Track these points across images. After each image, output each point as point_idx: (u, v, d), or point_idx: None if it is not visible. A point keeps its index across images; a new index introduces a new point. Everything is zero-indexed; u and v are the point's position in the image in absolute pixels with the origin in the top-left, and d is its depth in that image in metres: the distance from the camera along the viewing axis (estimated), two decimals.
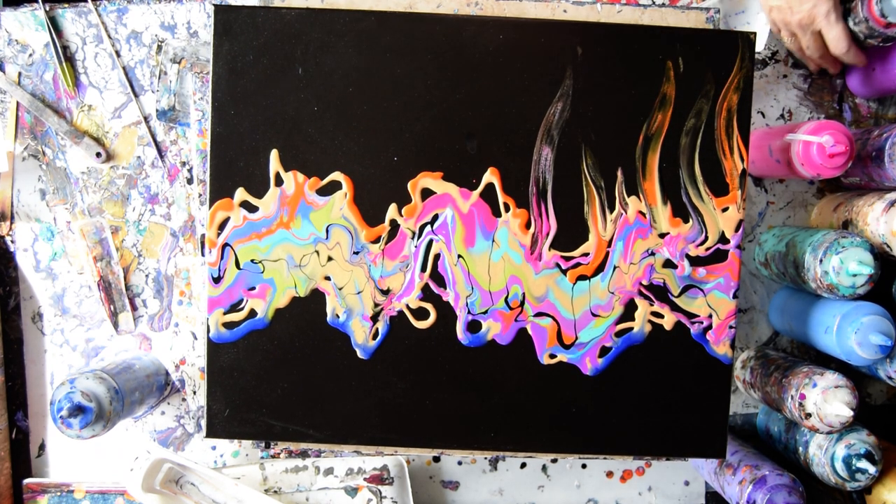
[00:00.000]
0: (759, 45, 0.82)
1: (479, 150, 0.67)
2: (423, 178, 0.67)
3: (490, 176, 0.67)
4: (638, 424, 0.69)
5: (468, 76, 0.66)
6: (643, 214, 0.67)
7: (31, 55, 0.86)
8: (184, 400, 0.89)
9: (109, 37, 0.86)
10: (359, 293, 0.68)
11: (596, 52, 0.67)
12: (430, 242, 0.67)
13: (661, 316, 0.68)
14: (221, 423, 0.68)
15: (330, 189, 0.67)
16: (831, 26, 0.74)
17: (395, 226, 0.67)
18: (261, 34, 0.66)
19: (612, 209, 0.67)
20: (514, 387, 0.68)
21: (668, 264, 0.68)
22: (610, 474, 0.90)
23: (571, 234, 0.67)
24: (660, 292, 0.68)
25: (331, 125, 0.66)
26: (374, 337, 0.68)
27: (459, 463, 0.90)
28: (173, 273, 0.88)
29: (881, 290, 0.78)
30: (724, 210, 0.68)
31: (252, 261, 0.67)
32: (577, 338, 0.68)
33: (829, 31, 0.75)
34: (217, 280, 0.67)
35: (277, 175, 0.67)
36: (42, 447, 0.90)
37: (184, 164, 0.87)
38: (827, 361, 0.88)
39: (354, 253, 0.67)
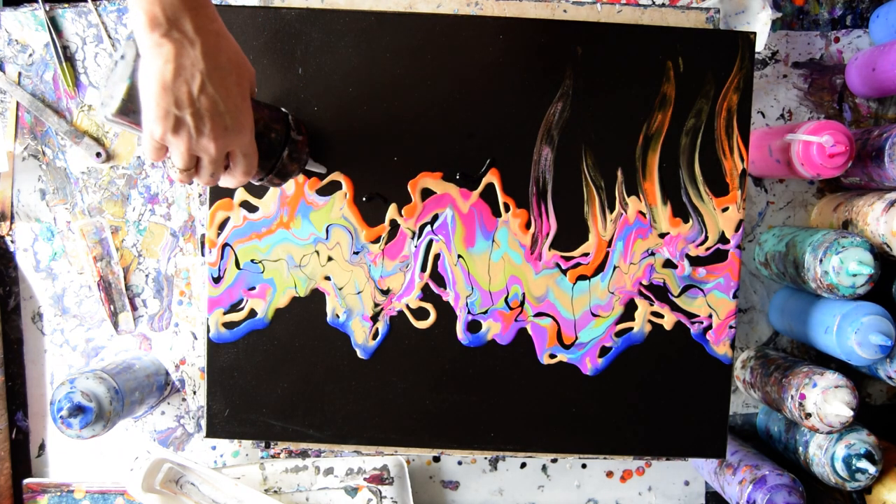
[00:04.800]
0: (759, 45, 0.82)
1: (478, 151, 0.67)
2: (423, 178, 0.67)
3: (490, 176, 0.67)
4: (638, 424, 0.69)
5: (468, 76, 0.66)
6: (643, 214, 0.67)
7: (31, 55, 0.86)
8: (184, 400, 0.89)
9: (109, 37, 0.86)
10: (359, 293, 0.68)
11: (596, 52, 0.66)
12: (430, 242, 0.67)
13: (661, 316, 0.68)
14: (221, 423, 0.68)
15: (330, 189, 0.67)
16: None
17: (395, 226, 0.67)
18: (261, 34, 0.66)
19: (612, 209, 0.67)
20: (514, 387, 0.68)
21: (668, 264, 0.68)
22: (610, 474, 0.90)
23: (571, 234, 0.67)
24: (660, 292, 0.68)
25: (331, 125, 0.66)
26: (374, 337, 0.68)
27: (459, 463, 0.90)
28: (173, 273, 0.88)
29: (881, 290, 0.78)
30: (724, 210, 0.68)
31: (252, 261, 0.67)
32: (577, 338, 0.68)
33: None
34: (217, 280, 0.67)
35: None
36: (42, 447, 0.90)
37: None
38: (827, 361, 0.88)
39: (354, 253, 0.67)
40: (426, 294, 0.68)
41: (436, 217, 0.67)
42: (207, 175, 0.53)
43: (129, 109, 0.51)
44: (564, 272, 0.68)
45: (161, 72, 0.47)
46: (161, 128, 0.49)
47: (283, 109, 0.59)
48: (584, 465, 0.90)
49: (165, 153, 0.51)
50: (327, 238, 0.67)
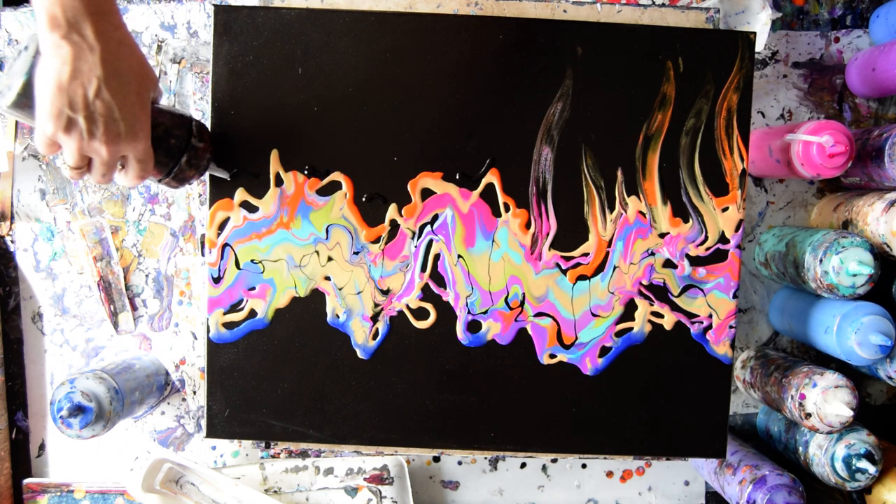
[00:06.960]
0: (759, 45, 0.82)
1: (478, 151, 0.67)
2: (423, 178, 0.67)
3: (490, 176, 0.67)
4: (638, 424, 0.69)
5: (468, 76, 0.66)
6: (643, 214, 0.67)
7: None
8: (184, 400, 0.89)
9: None
10: (359, 293, 0.68)
11: (596, 52, 0.66)
12: (430, 242, 0.67)
13: (661, 316, 0.68)
14: (221, 423, 0.68)
15: (330, 189, 0.67)
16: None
17: (395, 226, 0.67)
18: (261, 34, 0.66)
19: (612, 209, 0.67)
20: (514, 387, 0.68)
21: (668, 264, 0.68)
22: (610, 474, 0.90)
23: (571, 234, 0.67)
24: (660, 292, 0.68)
25: (331, 125, 0.66)
26: (374, 337, 0.68)
27: (459, 463, 0.90)
28: (173, 273, 0.88)
29: (881, 290, 0.78)
30: (724, 210, 0.68)
31: (252, 261, 0.67)
32: (577, 338, 0.68)
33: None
34: (217, 280, 0.67)
35: (277, 175, 0.67)
36: (42, 447, 0.90)
37: None
38: (827, 361, 0.88)
39: (354, 253, 0.67)
40: (426, 294, 0.68)
41: (436, 217, 0.67)
42: (99, 175, 0.54)
43: (24, 104, 0.51)
44: (564, 272, 0.68)
45: (58, 72, 0.48)
46: (53, 126, 0.50)
47: (190, 116, 0.60)
48: (584, 465, 0.90)
49: (58, 149, 0.52)
50: (327, 238, 0.67)
